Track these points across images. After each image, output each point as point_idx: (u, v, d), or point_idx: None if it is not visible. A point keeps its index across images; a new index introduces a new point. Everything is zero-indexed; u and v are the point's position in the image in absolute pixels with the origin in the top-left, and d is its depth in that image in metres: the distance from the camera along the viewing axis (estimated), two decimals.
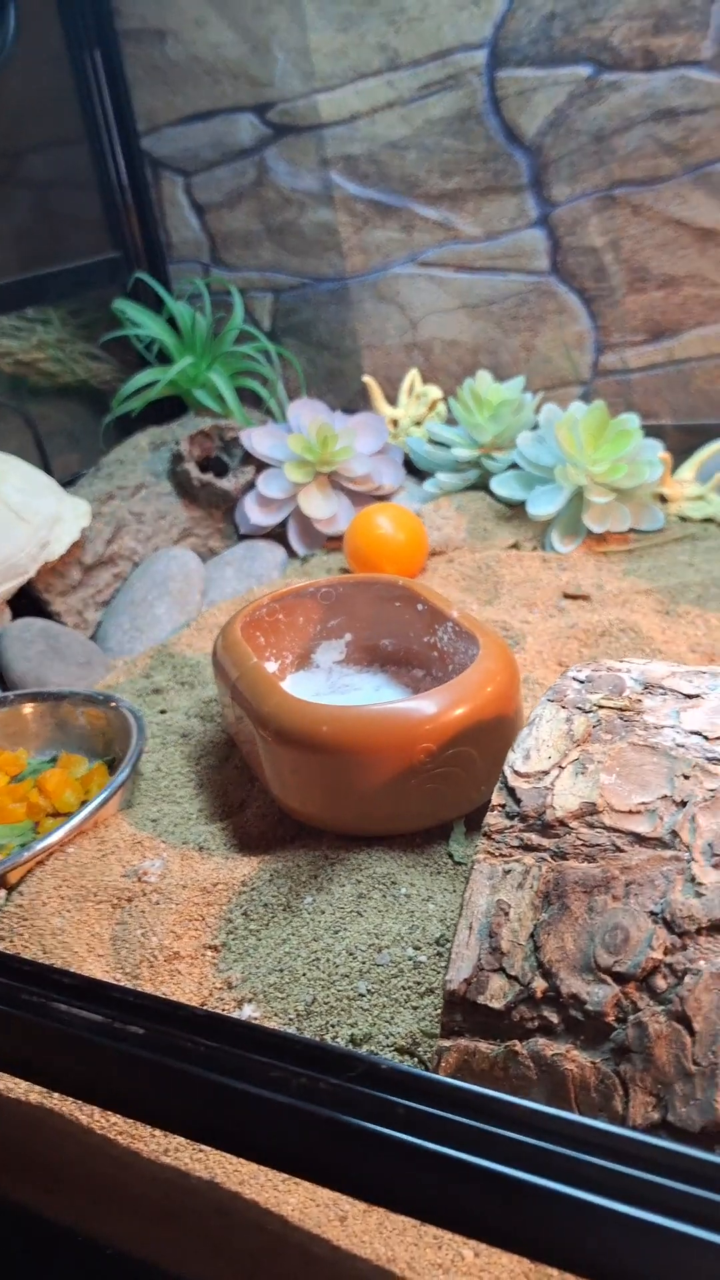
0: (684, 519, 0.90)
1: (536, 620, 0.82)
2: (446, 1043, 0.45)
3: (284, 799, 0.63)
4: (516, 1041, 0.43)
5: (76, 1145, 0.47)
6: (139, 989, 0.51)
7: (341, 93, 1.03)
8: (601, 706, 0.50)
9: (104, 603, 0.96)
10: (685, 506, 0.89)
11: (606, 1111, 0.41)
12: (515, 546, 0.93)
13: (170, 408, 1.14)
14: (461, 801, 0.61)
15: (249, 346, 1.13)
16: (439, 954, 0.53)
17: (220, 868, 0.61)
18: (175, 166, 1.17)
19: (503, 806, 0.48)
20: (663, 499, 0.90)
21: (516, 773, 0.49)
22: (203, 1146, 0.44)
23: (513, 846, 0.47)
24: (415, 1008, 0.51)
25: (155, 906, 0.58)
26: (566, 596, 0.85)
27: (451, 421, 1.04)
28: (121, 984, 0.49)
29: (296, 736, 0.59)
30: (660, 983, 0.41)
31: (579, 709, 0.51)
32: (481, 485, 0.98)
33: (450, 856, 0.60)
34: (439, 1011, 0.51)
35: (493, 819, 0.48)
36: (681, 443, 0.95)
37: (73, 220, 1.15)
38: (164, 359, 1.15)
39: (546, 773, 0.48)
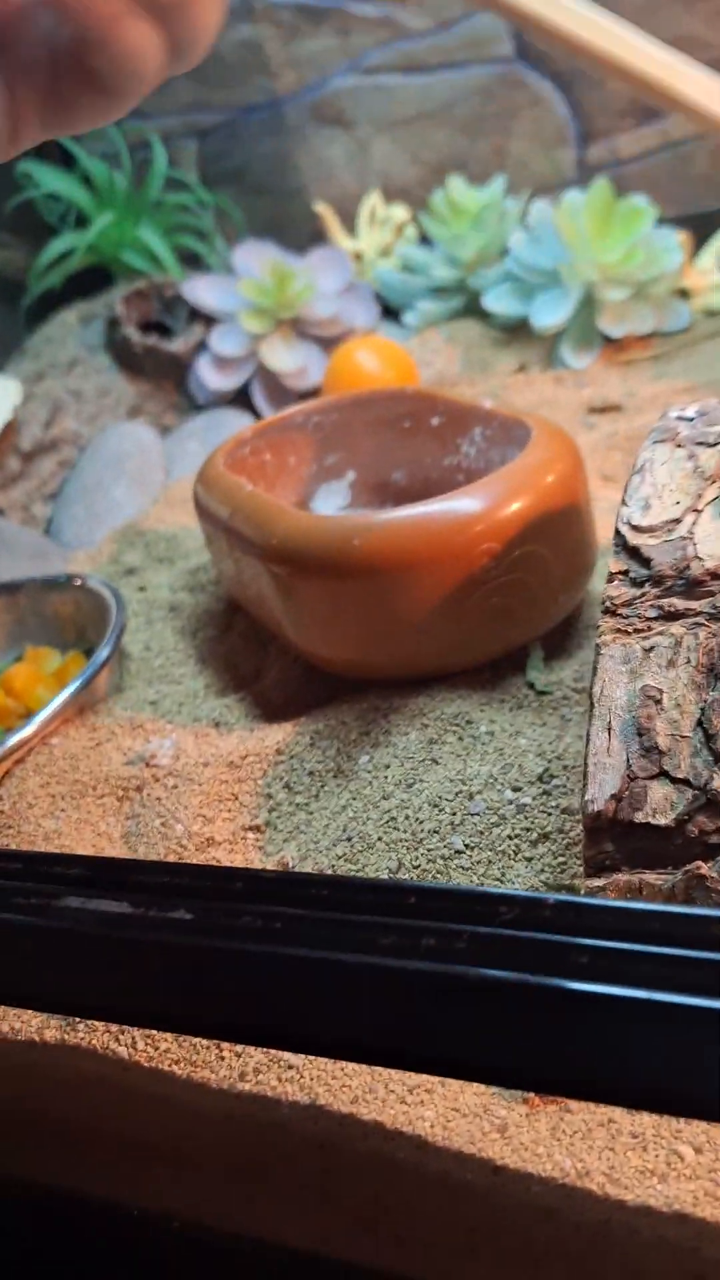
0: (712, 313, 0.78)
1: None
2: (598, 882, 0.33)
3: (313, 649, 0.50)
4: (700, 863, 0.32)
5: (115, 1092, 0.35)
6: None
7: None
8: None
9: (51, 495, 0.82)
10: (713, 298, 0.77)
11: None
12: (522, 370, 0.80)
13: (96, 281, 1.00)
14: (535, 618, 0.49)
15: (179, 196, 0.99)
16: (546, 793, 0.42)
17: (246, 739, 0.49)
18: None
19: (625, 573, 0.36)
20: (684, 294, 0.78)
21: (636, 528, 0.37)
22: (293, 1059, 0.32)
23: (650, 618, 0.35)
24: (529, 858, 0.39)
25: (173, 791, 0.46)
26: (593, 411, 0.73)
27: (425, 241, 0.90)
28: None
29: (321, 561, 0.47)
30: None
31: (701, 444, 0.39)
32: (470, 310, 0.85)
33: (531, 686, 0.48)
34: (559, 859, 0.40)
35: (615, 589, 0.36)
36: (691, 237, 0.83)
37: None
38: (82, 227, 1.00)
39: (678, 521, 0.37)
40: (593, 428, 0.72)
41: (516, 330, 0.82)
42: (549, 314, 0.77)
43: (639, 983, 0.22)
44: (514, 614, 0.48)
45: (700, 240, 0.81)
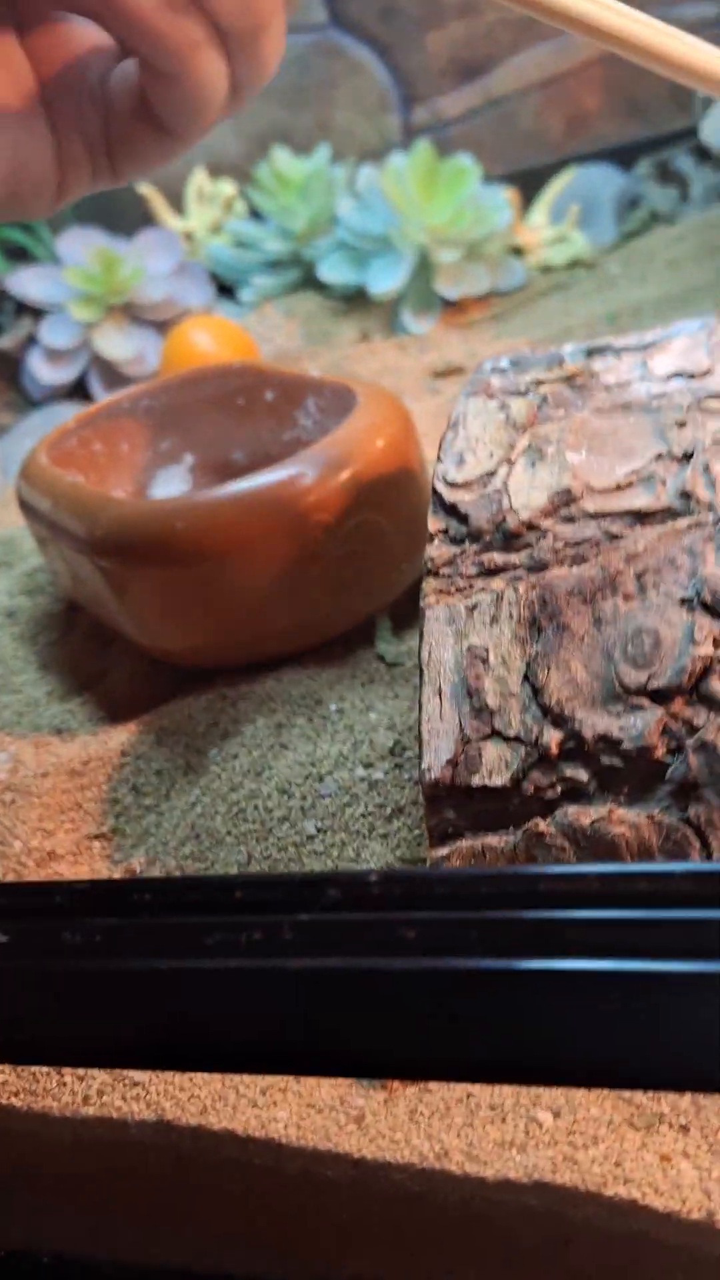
0: (546, 269, 0.78)
1: (409, 405, 0.69)
2: (441, 850, 0.32)
3: (152, 643, 0.48)
4: (538, 820, 0.31)
5: None
6: None
7: None
8: (542, 382, 0.38)
9: None
10: (546, 254, 0.77)
11: None
12: (365, 339, 0.79)
13: None
14: (379, 589, 0.48)
15: None
16: (398, 766, 0.41)
17: (89, 745, 0.46)
18: None
19: (444, 532, 0.35)
20: (517, 251, 0.78)
21: (451, 484, 0.36)
22: (138, 1076, 0.30)
23: (471, 575, 0.34)
24: (383, 835, 0.38)
25: (10, 807, 0.43)
26: (437, 375, 0.72)
27: (255, 215, 0.88)
28: None
29: (147, 549, 0.45)
30: (718, 684, 0.30)
31: (512, 393, 0.38)
32: (307, 282, 0.84)
33: (381, 659, 0.47)
34: (415, 832, 0.39)
35: (435, 550, 0.35)
36: (519, 194, 0.83)
37: None
38: None
39: (492, 474, 0.36)
40: (437, 392, 0.71)
41: (355, 299, 0.81)
42: (384, 280, 0.76)
43: (463, 952, 0.21)
44: (356, 586, 0.47)
45: (529, 197, 0.81)
